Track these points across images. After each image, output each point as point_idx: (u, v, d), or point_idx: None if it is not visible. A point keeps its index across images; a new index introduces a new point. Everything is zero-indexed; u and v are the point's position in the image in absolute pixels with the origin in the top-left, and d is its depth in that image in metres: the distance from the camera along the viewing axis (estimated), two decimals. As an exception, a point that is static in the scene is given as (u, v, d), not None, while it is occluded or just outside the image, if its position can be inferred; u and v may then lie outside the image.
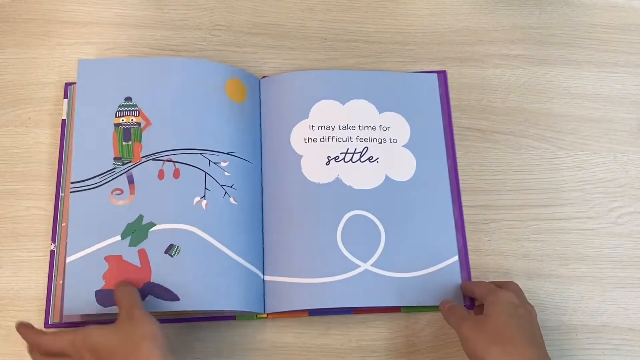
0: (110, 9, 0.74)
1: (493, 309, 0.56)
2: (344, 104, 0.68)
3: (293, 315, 0.63)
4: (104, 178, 0.62)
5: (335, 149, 0.66)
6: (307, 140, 0.66)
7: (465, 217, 0.67)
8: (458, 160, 0.69)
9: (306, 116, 0.67)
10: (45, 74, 0.71)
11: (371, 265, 0.63)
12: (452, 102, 0.71)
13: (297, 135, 0.66)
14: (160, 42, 0.73)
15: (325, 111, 0.68)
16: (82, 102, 0.64)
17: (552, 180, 0.70)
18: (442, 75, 0.72)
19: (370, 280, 0.62)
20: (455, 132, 0.70)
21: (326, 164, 0.66)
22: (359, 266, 0.63)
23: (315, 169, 0.65)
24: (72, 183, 0.62)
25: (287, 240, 0.63)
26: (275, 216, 0.64)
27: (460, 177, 0.68)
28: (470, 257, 0.66)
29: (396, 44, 0.75)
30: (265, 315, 0.62)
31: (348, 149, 0.66)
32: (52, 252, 0.63)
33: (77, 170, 0.62)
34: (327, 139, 0.67)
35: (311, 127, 0.67)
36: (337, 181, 0.65)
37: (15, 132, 0.68)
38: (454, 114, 0.71)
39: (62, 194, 0.64)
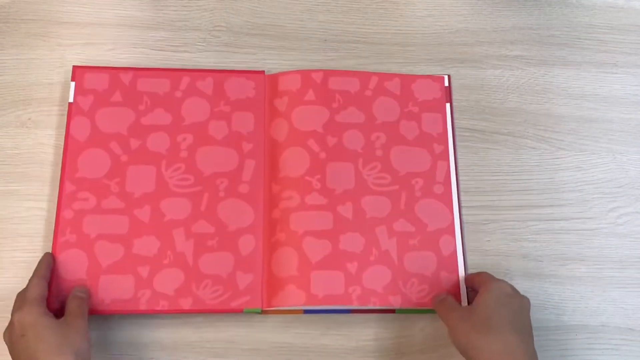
0: (110, 10, 0.74)
1: (483, 297, 0.57)
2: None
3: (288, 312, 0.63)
4: None
5: None
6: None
7: (465, 217, 0.67)
8: (458, 161, 0.69)
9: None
10: (45, 75, 0.71)
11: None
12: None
13: None
14: (160, 42, 0.73)
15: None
16: None
17: (551, 181, 0.70)
18: (448, 78, 0.72)
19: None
20: (454, 132, 0.70)
21: None
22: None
23: None
24: None
25: None
26: None
27: (460, 178, 0.68)
28: (470, 257, 0.66)
29: (396, 45, 0.75)
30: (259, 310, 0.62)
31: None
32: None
33: None
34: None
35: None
36: None
37: (15, 133, 0.68)
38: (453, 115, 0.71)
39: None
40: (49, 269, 0.61)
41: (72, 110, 0.67)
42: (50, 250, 0.63)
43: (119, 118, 0.67)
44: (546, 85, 0.74)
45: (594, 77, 0.75)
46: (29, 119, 0.69)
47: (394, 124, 0.69)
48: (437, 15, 0.77)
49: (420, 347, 0.63)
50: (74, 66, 0.68)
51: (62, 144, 0.68)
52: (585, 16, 0.78)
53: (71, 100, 0.67)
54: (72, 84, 0.68)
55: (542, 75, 0.75)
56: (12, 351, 0.55)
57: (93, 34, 0.73)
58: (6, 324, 0.61)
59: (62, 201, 0.64)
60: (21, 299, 0.57)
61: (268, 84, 0.70)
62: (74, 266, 0.62)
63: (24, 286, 0.63)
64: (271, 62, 0.73)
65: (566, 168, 0.71)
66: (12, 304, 0.62)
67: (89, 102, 0.67)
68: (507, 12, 0.77)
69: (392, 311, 0.64)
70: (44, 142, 0.68)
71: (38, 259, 0.63)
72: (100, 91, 0.68)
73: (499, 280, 0.59)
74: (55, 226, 0.63)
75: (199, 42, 0.73)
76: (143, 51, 0.72)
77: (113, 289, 0.61)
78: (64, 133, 0.67)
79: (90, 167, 0.65)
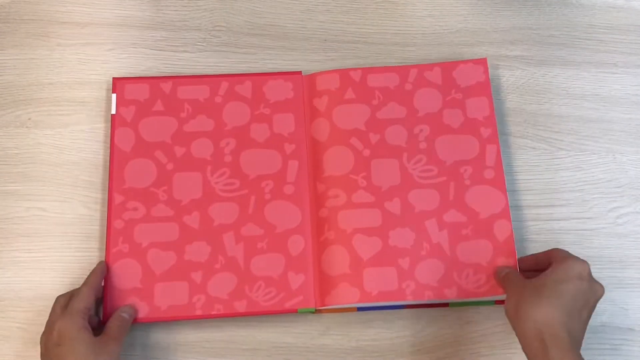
0: (110, 10, 0.74)
1: (552, 270, 0.56)
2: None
3: (340, 310, 0.64)
4: None
5: None
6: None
7: (464, 217, 0.67)
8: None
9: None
10: (45, 75, 0.71)
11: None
12: (451, 103, 0.72)
13: None
14: (160, 42, 0.73)
15: None
16: None
17: (551, 181, 0.70)
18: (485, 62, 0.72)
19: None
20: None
21: None
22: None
23: None
24: None
25: None
26: None
27: (459, 178, 0.69)
28: (470, 257, 0.66)
29: (395, 45, 0.75)
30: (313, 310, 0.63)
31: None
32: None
33: None
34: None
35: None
36: None
37: (15, 132, 0.68)
38: (453, 115, 0.71)
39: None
40: (101, 278, 0.61)
41: (115, 121, 0.67)
42: (42, 253, 0.63)
43: (162, 127, 0.67)
44: (546, 86, 0.74)
45: (594, 77, 0.75)
46: (29, 119, 0.69)
47: (437, 114, 0.69)
48: (437, 15, 0.77)
49: (420, 347, 0.63)
50: (114, 78, 0.69)
51: (63, 144, 0.68)
52: (585, 16, 0.78)
53: (113, 112, 0.67)
54: (114, 95, 0.68)
55: (542, 75, 0.75)
56: (44, 357, 0.55)
57: (93, 34, 0.73)
58: (6, 323, 0.62)
59: (112, 212, 0.64)
60: (63, 303, 0.57)
61: (306, 84, 0.70)
62: (129, 276, 0.62)
63: (24, 286, 0.63)
64: (271, 62, 0.73)
65: (566, 168, 0.71)
66: (13, 304, 0.62)
67: (132, 112, 0.68)
68: (507, 12, 0.77)
69: (446, 305, 0.64)
70: (43, 142, 0.68)
71: (38, 259, 0.64)
72: (142, 101, 0.68)
73: (579, 260, 0.57)
74: (106, 237, 0.63)
75: (199, 42, 0.73)
76: (143, 51, 0.72)
77: (169, 296, 0.62)
78: (65, 133, 0.68)
79: (137, 176, 0.65)
